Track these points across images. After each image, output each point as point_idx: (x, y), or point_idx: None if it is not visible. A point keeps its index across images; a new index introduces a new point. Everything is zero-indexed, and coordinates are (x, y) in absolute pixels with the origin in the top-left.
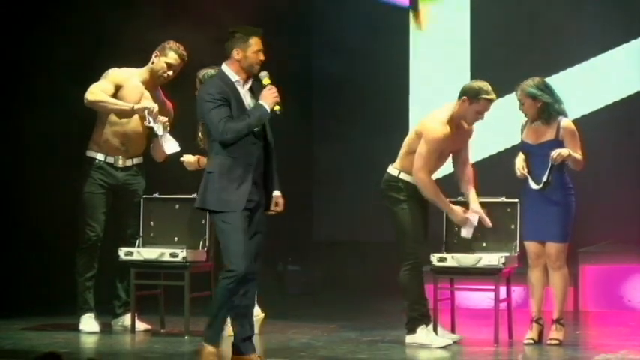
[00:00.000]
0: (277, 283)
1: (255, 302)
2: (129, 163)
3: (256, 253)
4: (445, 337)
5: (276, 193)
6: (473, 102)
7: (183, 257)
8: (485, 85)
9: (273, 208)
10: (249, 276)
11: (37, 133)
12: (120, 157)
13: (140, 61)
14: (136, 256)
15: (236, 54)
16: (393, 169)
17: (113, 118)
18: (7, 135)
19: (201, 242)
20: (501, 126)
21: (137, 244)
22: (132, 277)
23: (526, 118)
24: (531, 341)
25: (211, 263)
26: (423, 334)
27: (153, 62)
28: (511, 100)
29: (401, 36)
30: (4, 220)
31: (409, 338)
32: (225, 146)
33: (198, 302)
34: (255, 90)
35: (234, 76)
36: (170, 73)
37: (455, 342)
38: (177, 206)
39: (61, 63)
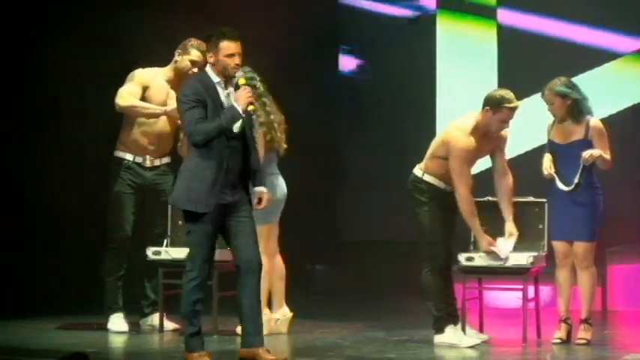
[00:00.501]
0: (305, 284)
1: (284, 302)
2: (157, 162)
3: (250, 252)
4: (473, 337)
5: (259, 189)
6: (496, 111)
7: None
8: (507, 94)
9: (255, 205)
10: (248, 272)
11: (62, 135)
12: (148, 156)
13: (162, 60)
14: (164, 256)
15: (209, 57)
16: (417, 170)
17: (141, 118)
18: (31, 136)
19: None
20: (528, 125)
21: (165, 243)
22: (160, 276)
23: (554, 118)
24: (559, 341)
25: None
26: (452, 333)
27: (176, 61)
28: (538, 99)
29: (428, 37)
30: (30, 220)
31: (437, 338)
32: (199, 147)
33: (227, 301)
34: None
35: (215, 78)
36: (195, 70)
37: (483, 342)
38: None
39: (87, 64)
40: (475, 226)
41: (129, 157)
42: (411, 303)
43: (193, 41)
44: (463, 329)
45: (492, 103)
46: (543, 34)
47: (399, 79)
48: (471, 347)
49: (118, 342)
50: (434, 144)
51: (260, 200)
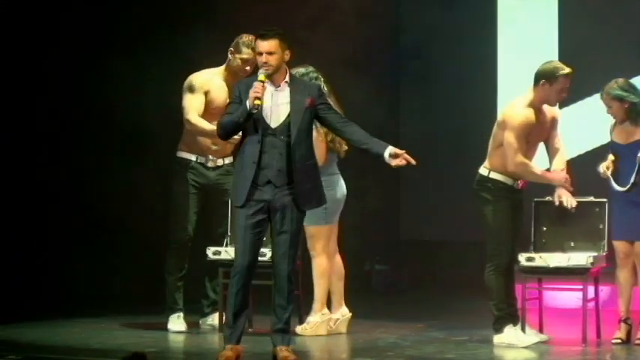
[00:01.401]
0: (364, 283)
1: (343, 302)
2: (220, 162)
3: (282, 253)
4: (532, 337)
5: (387, 150)
6: (553, 83)
7: (271, 257)
8: (557, 63)
9: (395, 162)
10: (277, 279)
11: (124, 135)
12: (211, 156)
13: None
14: (224, 256)
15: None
16: (483, 169)
17: (206, 117)
18: (93, 138)
19: None
20: (590, 125)
21: (225, 243)
22: (220, 276)
23: (613, 121)
24: (619, 341)
25: (299, 262)
26: (511, 333)
27: (229, 60)
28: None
29: (489, 32)
30: (95, 220)
31: (497, 338)
32: (223, 140)
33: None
34: (295, 87)
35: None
36: (247, 68)
37: (543, 342)
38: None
39: (149, 68)
40: (543, 176)
41: (192, 157)
42: (471, 303)
43: (244, 37)
44: (523, 329)
45: (548, 75)
46: (606, 32)
47: (463, 74)
48: (528, 347)
49: (178, 341)
50: (492, 136)
51: (397, 155)
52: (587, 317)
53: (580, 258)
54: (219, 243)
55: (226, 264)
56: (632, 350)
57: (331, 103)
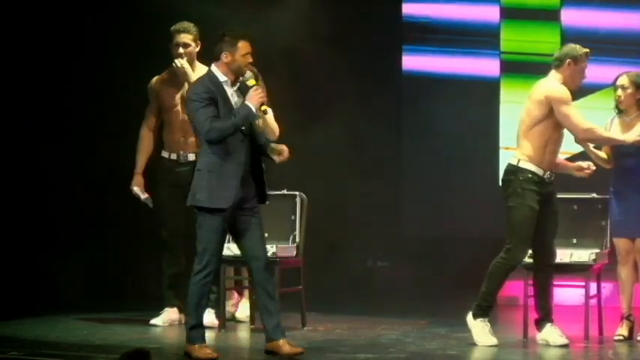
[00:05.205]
0: (367, 280)
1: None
2: (191, 157)
3: (257, 236)
4: (491, 339)
5: (274, 146)
6: (578, 61)
7: (273, 253)
8: (576, 45)
9: (278, 157)
10: (258, 270)
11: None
12: (181, 152)
13: None
14: (226, 252)
15: (225, 57)
16: (512, 159)
17: (166, 114)
18: (97, 135)
19: (291, 238)
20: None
21: (227, 239)
22: (222, 273)
23: (611, 117)
24: (622, 337)
25: (301, 259)
26: (479, 325)
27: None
28: (602, 96)
29: (491, 38)
30: (92, 216)
31: (469, 319)
32: (213, 144)
33: (288, 298)
34: (243, 91)
35: (222, 77)
36: (180, 50)
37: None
38: (267, 202)
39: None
40: (612, 137)
41: (165, 154)
42: (474, 299)
43: (174, 26)
44: (525, 327)
45: (573, 55)
46: (607, 30)
47: (464, 75)
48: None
49: (178, 338)
50: (524, 117)
51: (280, 152)
52: (590, 314)
53: (582, 255)
54: None
55: (228, 260)
56: (635, 347)
57: None
